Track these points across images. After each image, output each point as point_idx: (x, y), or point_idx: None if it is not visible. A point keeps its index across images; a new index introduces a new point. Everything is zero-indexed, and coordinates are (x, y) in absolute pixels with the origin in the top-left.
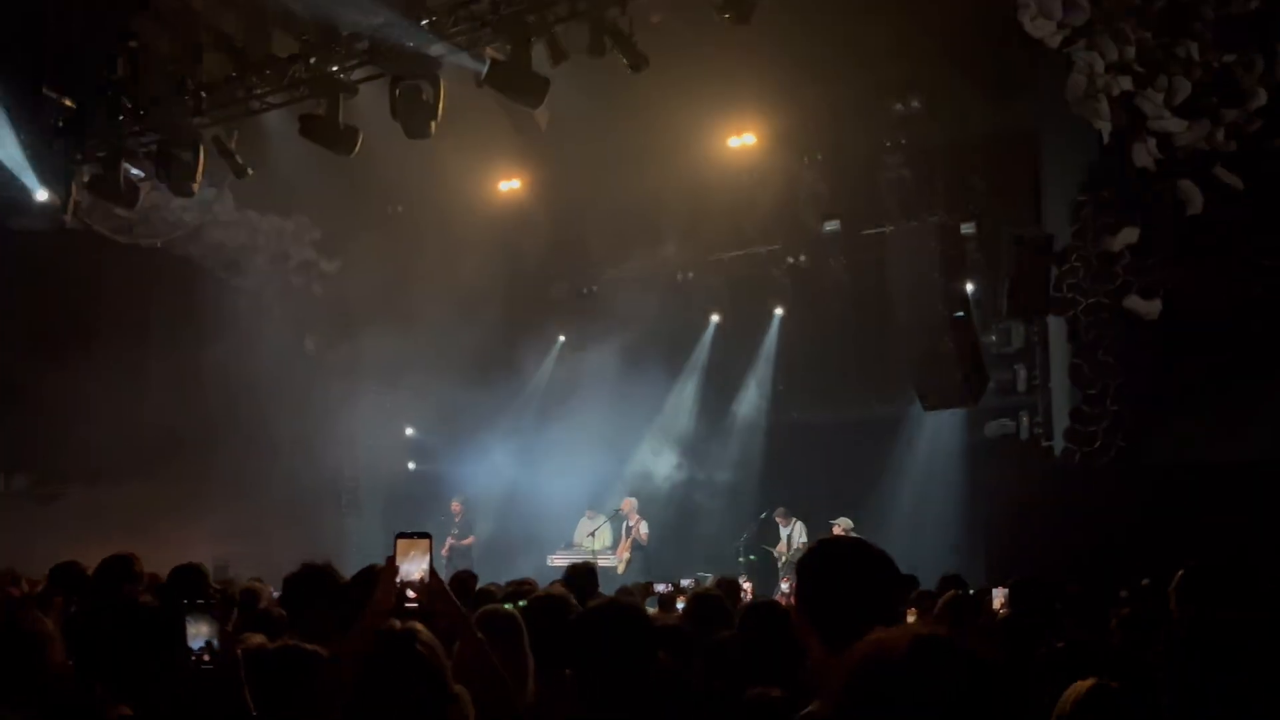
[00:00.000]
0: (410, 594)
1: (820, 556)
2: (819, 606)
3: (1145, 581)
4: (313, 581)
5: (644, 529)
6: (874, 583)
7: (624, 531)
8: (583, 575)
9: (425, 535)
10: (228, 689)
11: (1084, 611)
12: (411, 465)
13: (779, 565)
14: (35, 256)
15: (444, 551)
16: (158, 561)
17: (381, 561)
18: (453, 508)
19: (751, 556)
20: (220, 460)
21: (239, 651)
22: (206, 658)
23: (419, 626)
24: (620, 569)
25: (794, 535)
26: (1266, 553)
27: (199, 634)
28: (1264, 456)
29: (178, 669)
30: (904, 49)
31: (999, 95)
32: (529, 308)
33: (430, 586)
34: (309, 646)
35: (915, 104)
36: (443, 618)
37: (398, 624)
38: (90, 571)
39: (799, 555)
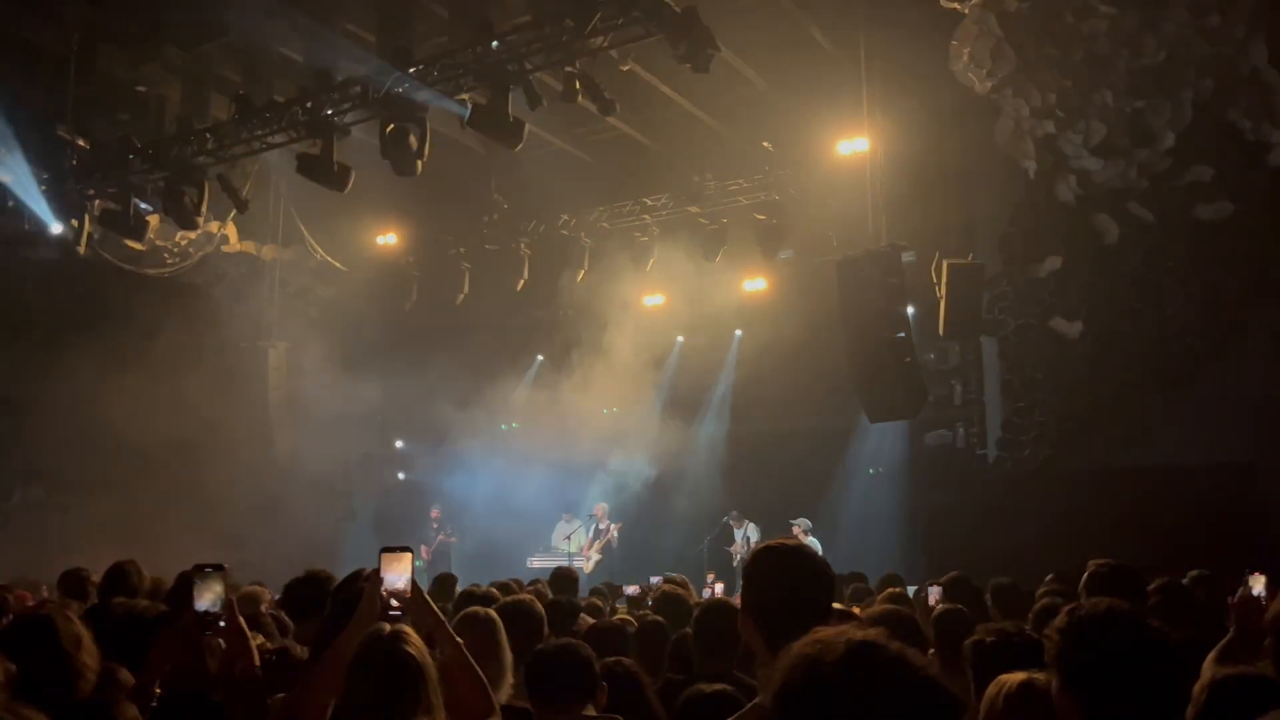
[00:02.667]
0: (394, 602)
1: (761, 561)
2: (760, 607)
3: (1049, 577)
4: (314, 586)
5: (614, 533)
6: (810, 585)
7: (595, 534)
8: (564, 581)
9: (407, 549)
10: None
11: (1010, 604)
12: (400, 475)
13: (736, 563)
14: (51, 284)
15: (425, 555)
16: (163, 568)
17: (371, 567)
18: (433, 515)
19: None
20: (224, 472)
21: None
22: (213, 614)
23: (407, 628)
24: (588, 568)
25: (749, 535)
26: (1171, 543)
27: (206, 597)
28: (1169, 461)
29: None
30: (850, 94)
31: (937, 135)
32: (510, 330)
33: (412, 596)
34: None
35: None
36: (423, 623)
37: (387, 627)
38: (96, 578)
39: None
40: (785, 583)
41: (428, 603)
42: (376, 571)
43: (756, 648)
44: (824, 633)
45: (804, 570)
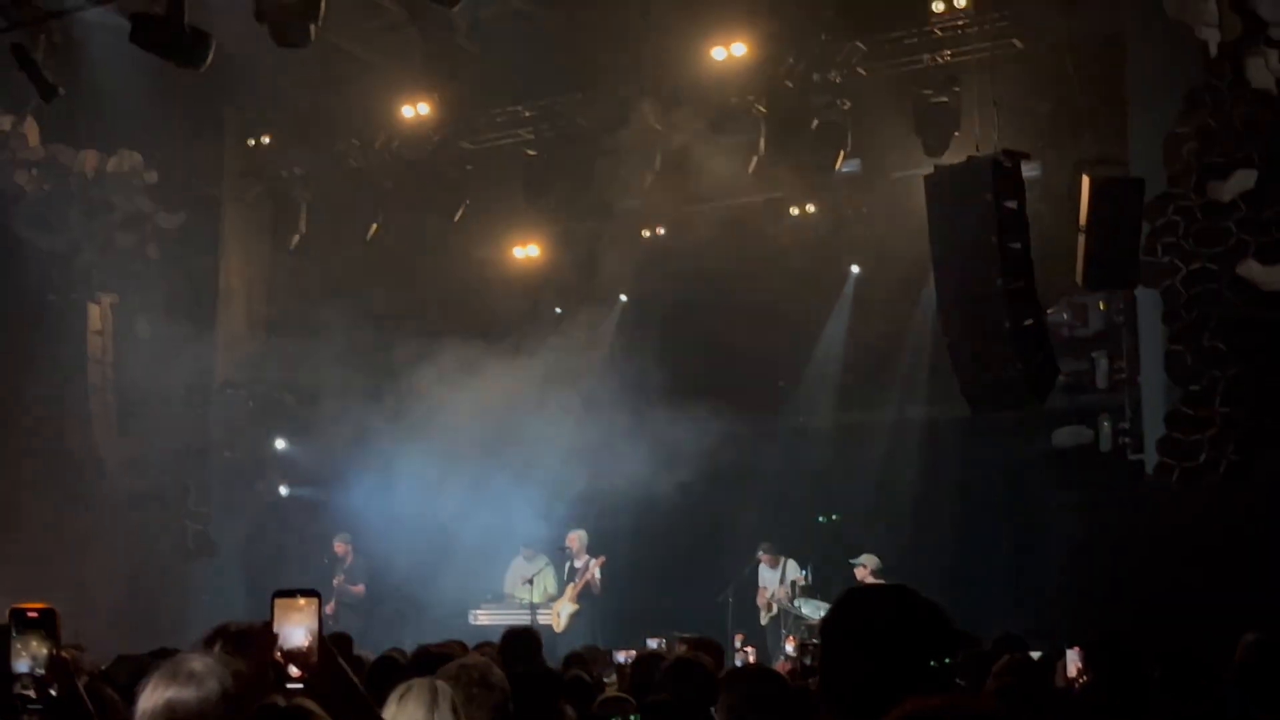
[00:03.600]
0: (293, 669)
1: (846, 616)
2: (844, 688)
3: (1248, 640)
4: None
5: (597, 573)
6: (925, 651)
7: (569, 573)
8: (521, 645)
9: (312, 593)
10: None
11: (1188, 680)
12: (283, 490)
13: (765, 619)
14: None
15: (329, 606)
16: None
17: (241, 619)
18: (336, 549)
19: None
20: (18, 482)
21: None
22: (33, 692)
23: (311, 706)
24: (559, 625)
25: (789, 577)
26: None
27: (24, 656)
28: None
29: None
30: None
31: None
32: (442, 280)
33: (320, 661)
34: None
35: (960, 2)
36: (336, 700)
37: (281, 700)
38: None
39: (800, 604)
40: (886, 649)
41: (343, 670)
42: (268, 624)
43: None
44: (923, 704)
45: (915, 628)
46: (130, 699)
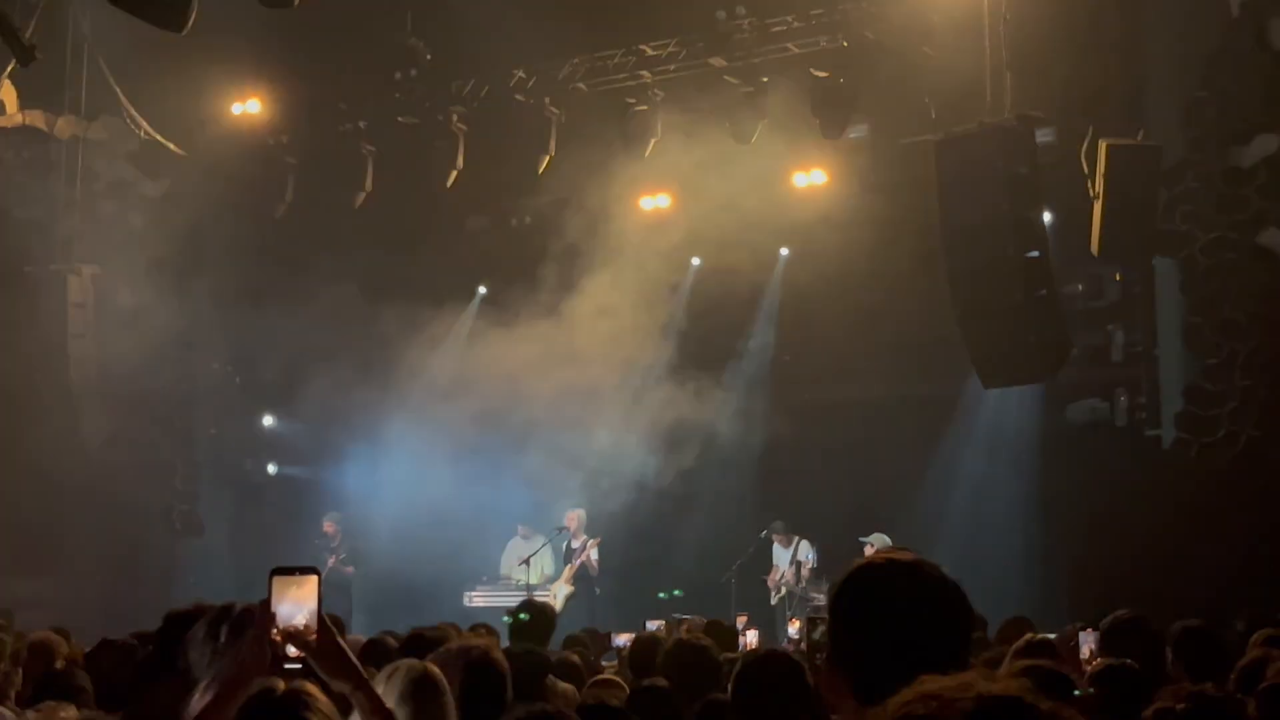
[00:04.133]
0: (291, 650)
1: (859, 585)
2: (857, 657)
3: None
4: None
5: (594, 554)
6: (938, 623)
7: (566, 554)
8: (535, 623)
9: (311, 570)
10: None
11: (1204, 659)
12: (271, 469)
13: (775, 600)
14: None
15: None
16: None
17: (238, 600)
18: (325, 528)
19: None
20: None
21: None
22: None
23: (311, 688)
24: (556, 607)
25: (800, 558)
26: None
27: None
28: None
29: None
30: None
31: None
32: (436, 247)
33: (319, 640)
34: None
35: None
36: (337, 680)
37: (280, 684)
38: None
39: (809, 584)
40: (899, 618)
41: (343, 650)
42: (266, 603)
43: (846, 716)
44: (938, 684)
45: (928, 598)
46: (112, 684)
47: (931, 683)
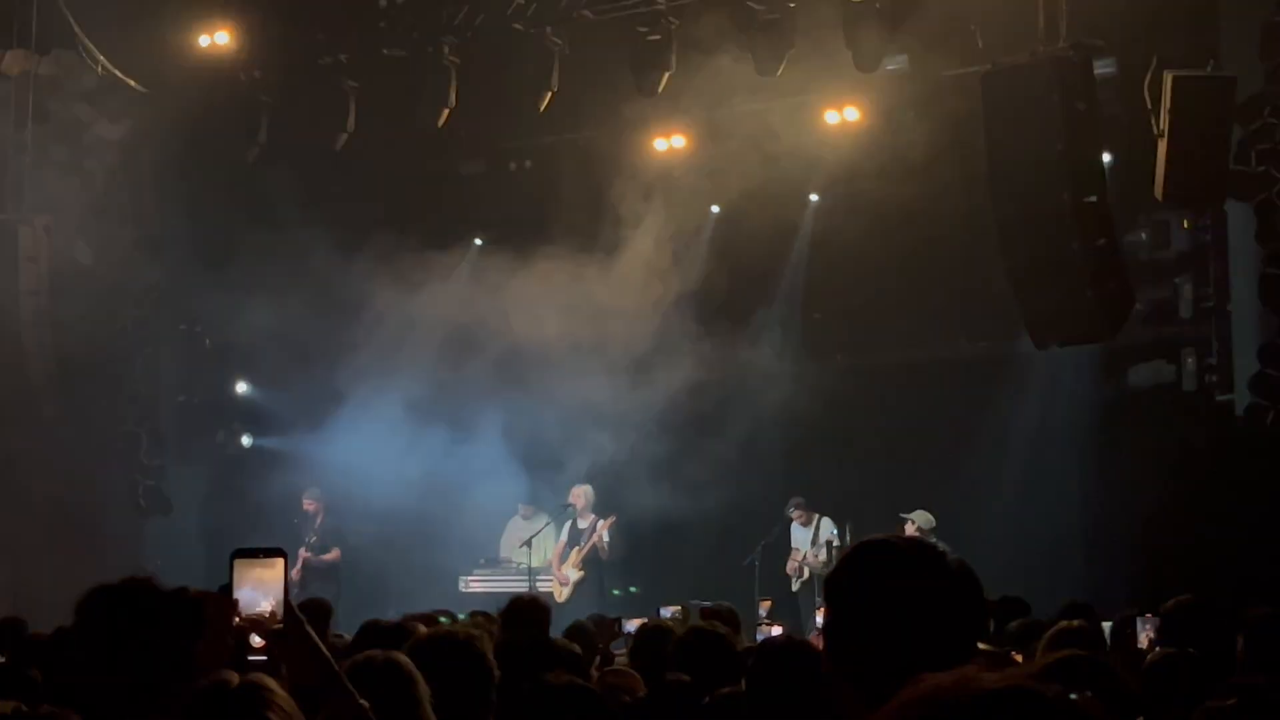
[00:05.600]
0: (255, 639)
1: (856, 571)
2: (856, 652)
3: None
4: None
5: (606, 535)
6: (944, 610)
7: (572, 534)
8: (528, 613)
9: (277, 552)
10: None
11: (1276, 647)
12: (246, 440)
13: (797, 585)
14: None
15: (295, 572)
16: None
17: (199, 585)
18: (305, 506)
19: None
20: None
21: None
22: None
23: (269, 681)
24: (562, 595)
25: (823, 538)
26: None
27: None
28: None
29: None
30: None
31: None
32: (427, 194)
33: (285, 629)
34: None
35: None
36: (304, 673)
37: (235, 677)
38: None
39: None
40: (900, 607)
41: (311, 639)
42: (227, 588)
43: (849, 710)
44: (943, 677)
45: (933, 583)
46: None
47: (929, 680)
